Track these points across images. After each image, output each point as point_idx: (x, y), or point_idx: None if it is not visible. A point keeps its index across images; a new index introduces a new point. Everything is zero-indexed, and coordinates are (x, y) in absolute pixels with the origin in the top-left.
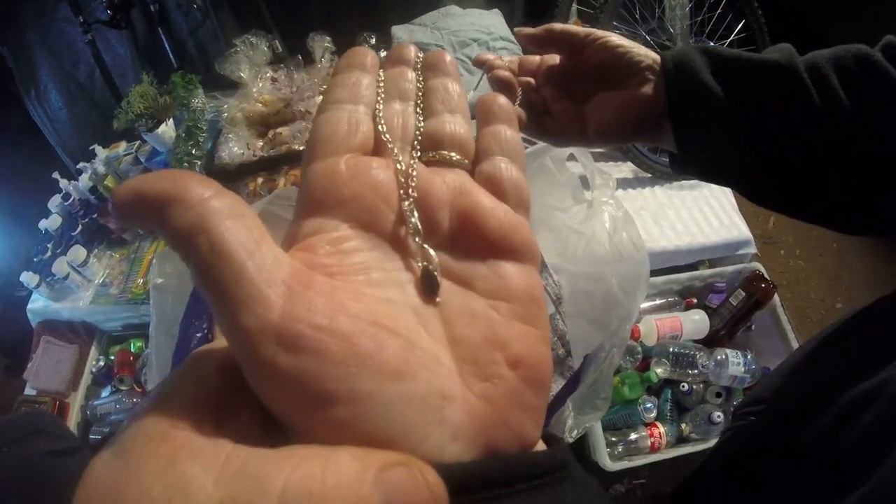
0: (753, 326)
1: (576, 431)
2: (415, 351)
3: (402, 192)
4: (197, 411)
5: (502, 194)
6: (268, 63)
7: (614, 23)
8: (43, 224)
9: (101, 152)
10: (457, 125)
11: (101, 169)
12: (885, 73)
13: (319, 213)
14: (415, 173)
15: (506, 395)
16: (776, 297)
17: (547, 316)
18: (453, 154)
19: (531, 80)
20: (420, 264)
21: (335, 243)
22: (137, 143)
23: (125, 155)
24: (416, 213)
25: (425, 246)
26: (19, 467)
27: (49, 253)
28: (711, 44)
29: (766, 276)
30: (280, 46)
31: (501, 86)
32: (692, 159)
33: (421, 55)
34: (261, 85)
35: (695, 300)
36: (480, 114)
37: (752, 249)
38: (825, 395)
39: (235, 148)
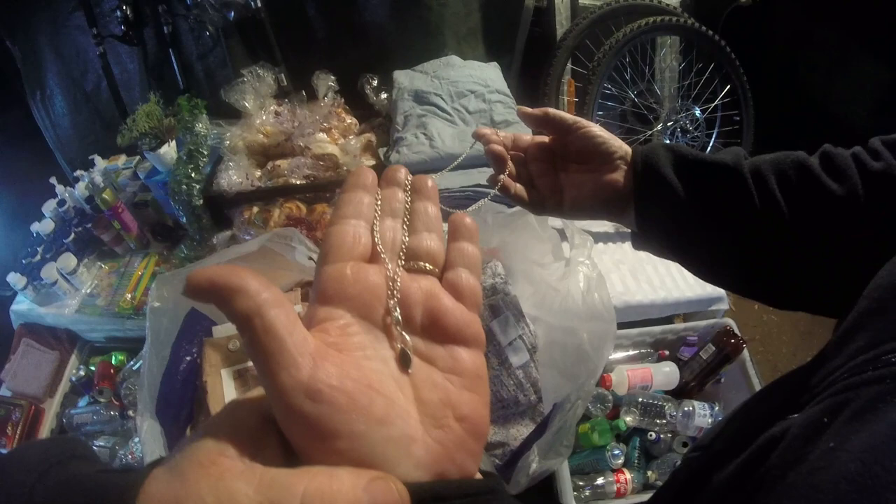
0: (723, 379)
1: (538, 474)
2: (394, 406)
3: (389, 293)
4: (237, 444)
5: (461, 297)
6: (272, 95)
7: (605, 84)
8: (35, 227)
9: (100, 163)
10: (432, 242)
11: (99, 179)
12: (817, 180)
13: (330, 304)
14: (399, 279)
15: (453, 441)
16: (746, 352)
17: (487, 386)
18: (427, 265)
19: (522, 154)
20: (399, 346)
21: (342, 328)
22: (137, 158)
23: (124, 169)
24: (398, 309)
25: (403, 333)
26: (68, 483)
27: (39, 257)
28: (697, 108)
29: (736, 332)
30: (286, 80)
31: (494, 158)
32: (650, 239)
33: (410, 178)
34: (264, 117)
35: (667, 352)
36: (451, 230)
37: (725, 306)
38: (746, 440)
39: (234, 176)
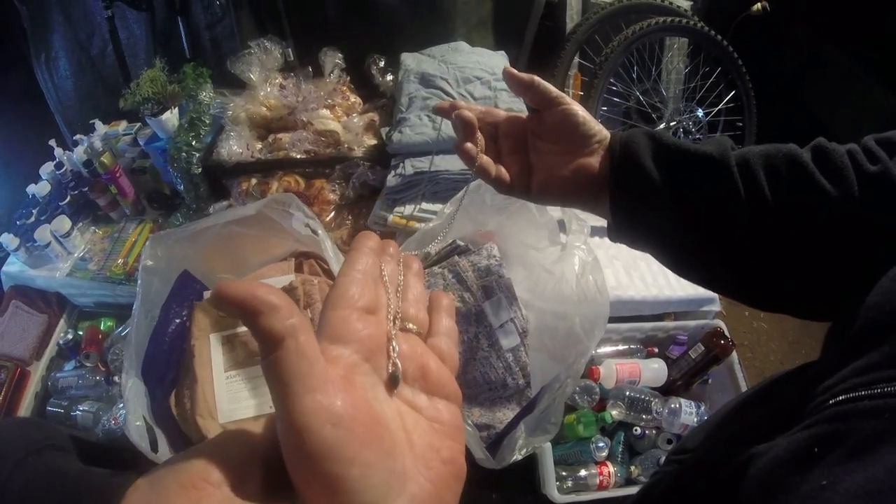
0: (710, 380)
1: (525, 450)
2: (397, 443)
3: (388, 343)
4: (222, 472)
5: (443, 360)
6: (278, 69)
7: (611, 80)
8: (31, 189)
9: (100, 127)
10: (419, 311)
11: (98, 144)
12: (810, 178)
13: (338, 343)
14: (395, 332)
15: (441, 481)
16: (734, 355)
17: (464, 437)
18: (415, 327)
19: (493, 128)
20: (390, 369)
21: (349, 367)
22: (138, 125)
23: (124, 135)
24: (396, 352)
25: (397, 360)
26: (48, 478)
27: (33, 218)
28: (700, 110)
29: (726, 333)
30: (292, 55)
31: (462, 124)
32: (625, 230)
33: (402, 255)
34: (269, 90)
35: (656, 349)
36: (432, 305)
37: (717, 307)
38: (732, 451)
39: (235, 146)
